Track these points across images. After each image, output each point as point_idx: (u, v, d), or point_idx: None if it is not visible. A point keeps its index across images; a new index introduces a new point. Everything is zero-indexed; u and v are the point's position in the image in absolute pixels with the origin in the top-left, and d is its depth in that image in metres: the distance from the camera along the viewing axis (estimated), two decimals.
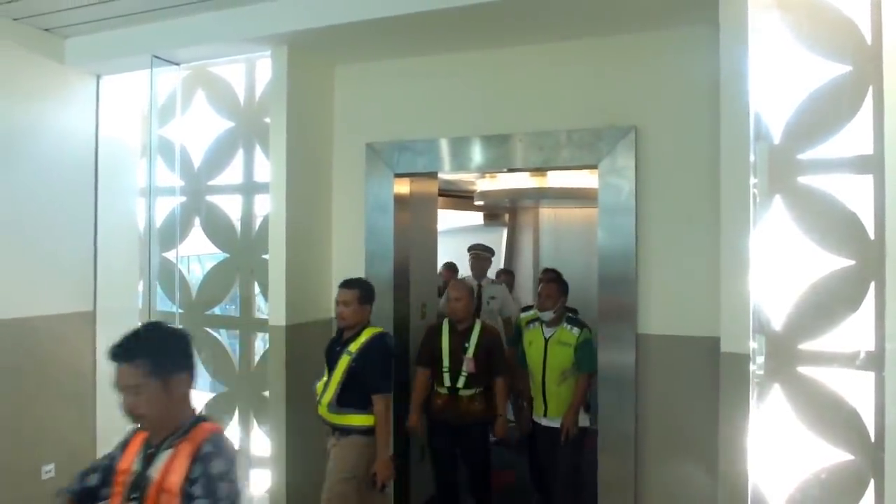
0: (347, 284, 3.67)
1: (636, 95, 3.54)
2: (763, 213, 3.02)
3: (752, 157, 2.98)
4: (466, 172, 4.57)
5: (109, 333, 4.69)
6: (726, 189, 3.00)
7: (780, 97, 3.06)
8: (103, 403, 4.64)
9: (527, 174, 5.44)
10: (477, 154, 3.84)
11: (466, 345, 4.06)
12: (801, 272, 3.04)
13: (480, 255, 5.96)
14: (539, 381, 4.08)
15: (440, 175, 4.60)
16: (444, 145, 3.91)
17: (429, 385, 4.15)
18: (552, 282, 4.16)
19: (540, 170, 4.76)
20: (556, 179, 5.46)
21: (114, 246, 4.77)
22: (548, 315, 4.06)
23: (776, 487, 3.03)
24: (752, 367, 2.94)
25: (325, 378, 3.66)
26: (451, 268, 6.54)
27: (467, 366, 4.02)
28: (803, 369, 3.00)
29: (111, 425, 4.69)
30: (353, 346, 3.59)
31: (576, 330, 4.02)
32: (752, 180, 2.99)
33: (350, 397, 3.55)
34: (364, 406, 3.53)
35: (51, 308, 4.36)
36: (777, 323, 3.03)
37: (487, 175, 5.75)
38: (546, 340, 4.07)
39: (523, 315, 4.70)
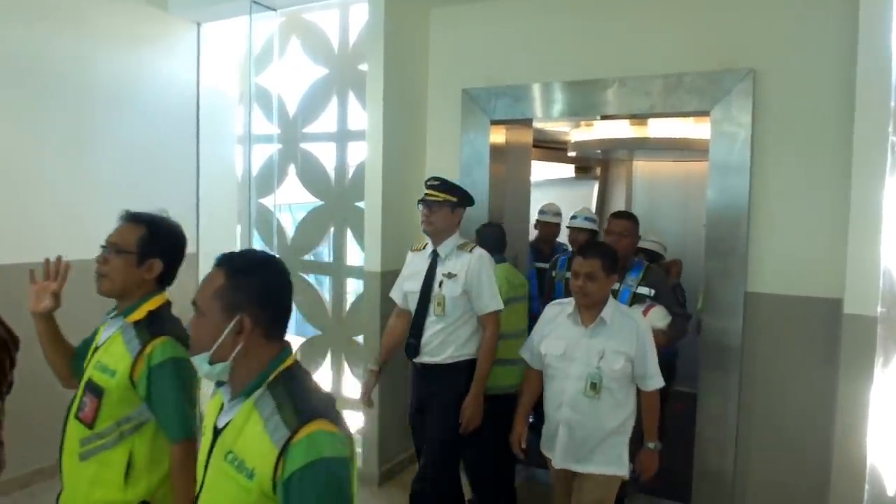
0: None
1: (755, 34, 3.25)
2: None
3: (893, 104, 2.70)
4: (567, 119, 4.33)
5: None
6: (860, 139, 2.73)
7: None
8: None
9: (625, 123, 5.18)
10: (578, 99, 3.66)
11: None
12: None
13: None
14: None
15: (533, 124, 4.45)
16: (544, 90, 3.75)
17: None
18: (225, 270, 1.44)
19: (642, 117, 4.51)
20: (657, 129, 5.16)
21: (214, 192, 4.92)
22: (203, 365, 1.42)
23: None
24: (879, 331, 2.72)
25: None
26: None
27: None
28: None
29: None
30: None
31: (277, 424, 1.33)
32: (891, 129, 2.72)
33: None
34: None
35: None
36: None
37: (583, 123, 5.51)
38: (211, 444, 1.45)
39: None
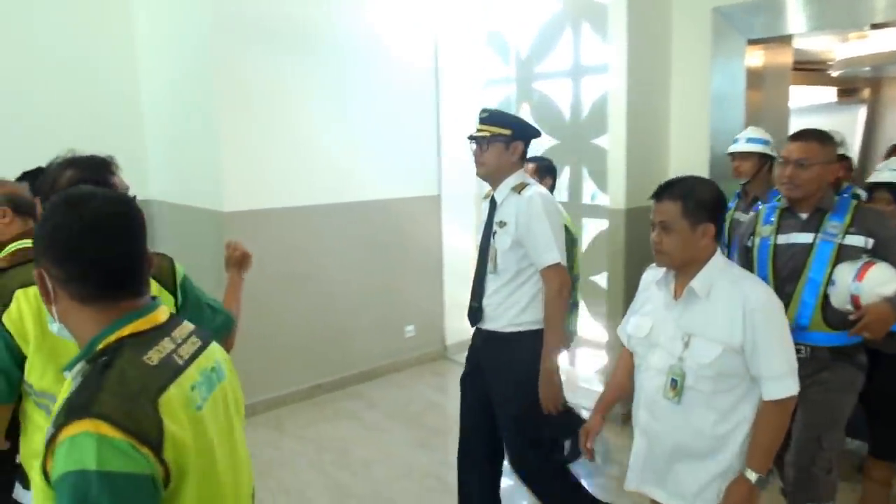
0: None
1: None
2: None
3: None
4: (839, 30, 3.78)
5: (452, 216, 5.17)
6: None
7: None
8: (449, 277, 5.17)
9: None
10: (859, 2, 3.16)
11: None
12: None
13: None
14: None
15: (793, 41, 3.94)
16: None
17: None
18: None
19: None
20: None
21: (453, 136, 5.10)
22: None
23: None
24: None
25: None
26: None
27: None
28: None
29: (457, 296, 5.24)
30: None
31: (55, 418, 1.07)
32: None
33: None
34: None
35: (405, 192, 4.89)
36: None
37: (852, 36, 4.77)
38: None
39: None
